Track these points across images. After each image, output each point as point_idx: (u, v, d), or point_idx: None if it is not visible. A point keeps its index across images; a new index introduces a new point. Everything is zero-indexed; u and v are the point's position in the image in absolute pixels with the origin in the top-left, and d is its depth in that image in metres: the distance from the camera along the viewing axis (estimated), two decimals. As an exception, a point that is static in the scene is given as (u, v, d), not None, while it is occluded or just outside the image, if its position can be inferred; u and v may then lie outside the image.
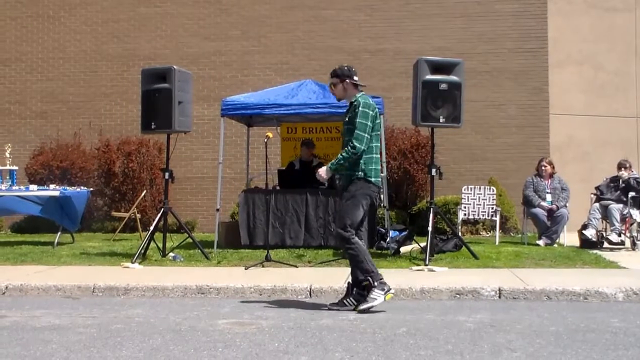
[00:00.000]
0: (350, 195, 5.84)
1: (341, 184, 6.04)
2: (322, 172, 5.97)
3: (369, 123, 5.84)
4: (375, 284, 5.73)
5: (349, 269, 7.59)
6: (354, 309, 5.80)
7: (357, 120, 5.81)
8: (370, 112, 5.87)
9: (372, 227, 9.62)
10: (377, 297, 5.71)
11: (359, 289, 5.89)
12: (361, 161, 5.84)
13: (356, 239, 5.83)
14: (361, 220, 5.93)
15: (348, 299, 5.92)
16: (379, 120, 6.00)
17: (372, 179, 5.89)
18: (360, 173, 5.85)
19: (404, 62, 12.69)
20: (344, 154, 5.84)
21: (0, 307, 6.17)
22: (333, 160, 5.91)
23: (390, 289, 5.80)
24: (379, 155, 6.00)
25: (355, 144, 5.78)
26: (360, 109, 5.84)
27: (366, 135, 5.82)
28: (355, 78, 6.07)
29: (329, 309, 5.87)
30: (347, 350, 4.45)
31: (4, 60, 14.75)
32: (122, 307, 6.17)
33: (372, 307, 5.71)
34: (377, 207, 9.96)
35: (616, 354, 4.35)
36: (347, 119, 5.97)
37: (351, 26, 14.20)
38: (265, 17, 14.39)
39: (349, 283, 6.03)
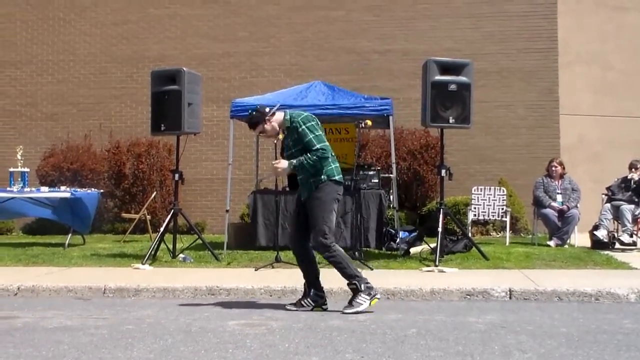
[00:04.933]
0: (321, 201, 5.70)
1: (303, 195, 5.82)
2: (283, 164, 5.73)
3: (319, 132, 5.74)
4: (362, 287, 5.69)
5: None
6: (311, 309, 5.83)
7: (309, 137, 5.66)
8: (313, 122, 5.75)
9: (380, 228, 9.61)
10: (363, 302, 5.67)
11: (317, 290, 5.89)
12: (319, 166, 5.71)
13: (336, 245, 5.76)
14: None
15: (306, 300, 5.92)
16: (319, 124, 5.84)
17: (336, 178, 5.79)
18: (323, 177, 5.72)
19: (412, 63, 12.64)
20: (309, 156, 5.63)
21: (12, 308, 6.21)
22: (294, 161, 5.69)
23: (377, 294, 5.74)
24: (334, 154, 5.85)
25: (319, 149, 5.63)
26: (302, 127, 5.70)
27: (326, 142, 5.73)
28: (267, 109, 5.86)
29: (287, 310, 5.86)
30: (358, 351, 4.45)
31: (15, 62, 14.84)
32: (133, 308, 6.19)
33: (358, 312, 5.65)
34: (387, 207, 9.98)
35: (628, 354, 4.33)
36: (291, 142, 5.79)
37: (360, 27, 14.19)
38: (274, 18, 14.42)
39: (304, 284, 5.98)
